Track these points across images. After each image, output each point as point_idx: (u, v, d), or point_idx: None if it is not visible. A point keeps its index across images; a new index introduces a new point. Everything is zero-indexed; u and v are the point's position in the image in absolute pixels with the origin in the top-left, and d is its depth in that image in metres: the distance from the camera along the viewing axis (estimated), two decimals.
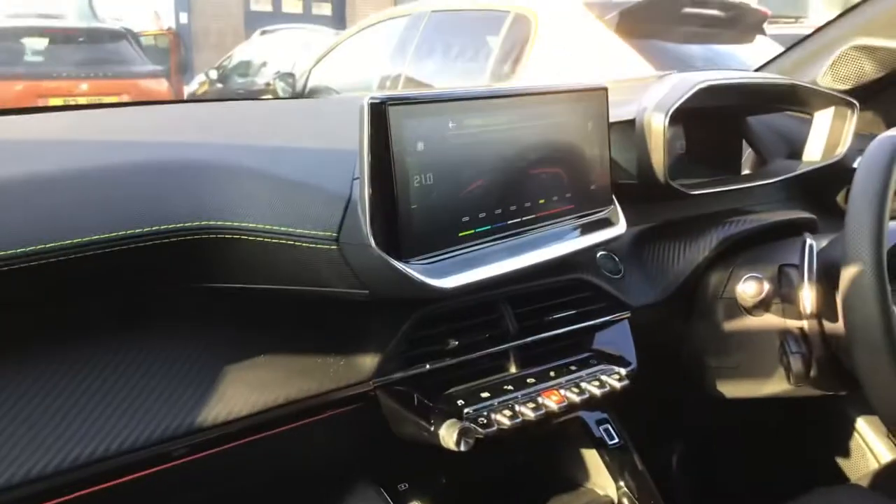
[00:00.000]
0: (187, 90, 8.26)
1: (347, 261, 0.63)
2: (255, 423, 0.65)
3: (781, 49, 3.71)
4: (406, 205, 0.63)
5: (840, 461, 1.08)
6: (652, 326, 0.91)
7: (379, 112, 0.61)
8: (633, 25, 3.30)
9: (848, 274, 0.73)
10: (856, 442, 1.12)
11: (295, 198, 0.65)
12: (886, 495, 0.86)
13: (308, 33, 8.10)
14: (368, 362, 0.71)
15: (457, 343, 0.76)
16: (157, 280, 0.67)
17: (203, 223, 0.64)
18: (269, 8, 12.52)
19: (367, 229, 0.61)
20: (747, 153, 1.18)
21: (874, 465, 1.03)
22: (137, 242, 0.61)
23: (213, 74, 7.90)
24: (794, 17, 9.67)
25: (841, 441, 1.10)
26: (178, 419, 0.62)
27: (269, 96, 4.71)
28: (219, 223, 0.64)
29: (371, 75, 4.15)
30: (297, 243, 0.63)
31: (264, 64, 7.93)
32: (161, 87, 6.37)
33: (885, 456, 1.02)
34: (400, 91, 0.73)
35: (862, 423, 1.10)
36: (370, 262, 0.62)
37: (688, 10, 3.41)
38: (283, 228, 0.63)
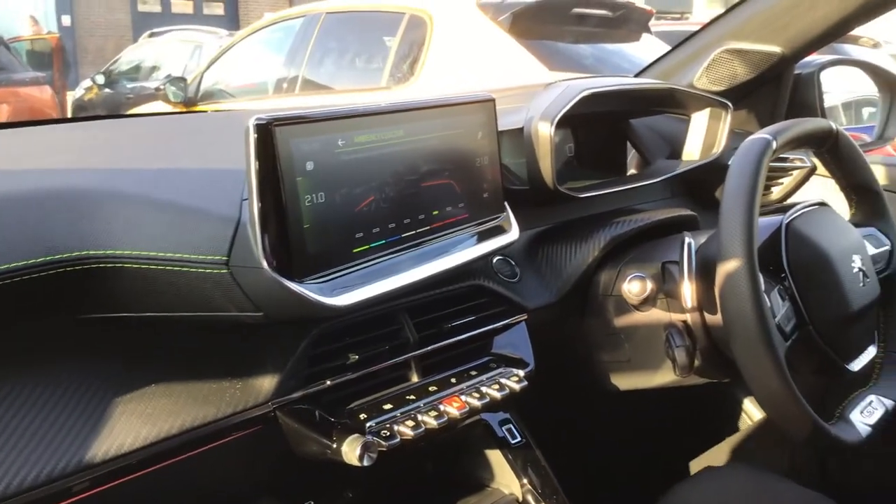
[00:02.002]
0: (73, 96, 7.88)
1: (239, 284, 0.63)
2: (154, 454, 0.64)
3: (667, 46, 3.87)
4: (298, 225, 0.63)
5: (730, 442, 1.15)
6: (549, 326, 0.94)
7: (265, 133, 0.60)
8: (526, 26, 3.37)
9: (723, 269, 0.77)
10: (744, 422, 1.20)
11: (182, 222, 0.64)
12: (772, 471, 0.92)
13: (199, 34, 7.87)
14: (267, 383, 0.70)
15: (357, 357, 0.76)
16: (43, 312, 0.65)
17: (84, 253, 0.62)
18: (157, 8, 12.09)
19: (259, 252, 0.61)
20: (632, 154, 1.24)
21: (762, 444, 1.10)
22: (13, 277, 0.59)
23: (101, 79, 7.57)
24: (679, 12, 10.12)
25: (730, 422, 1.17)
26: (71, 454, 0.60)
27: (160, 101, 4.54)
28: (101, 253, 0.62)
29: (266, 78, 4.08)
30: (185, 269, 0.62)
31: (154, 68, 7.66)
32: (44, 94, 6.03)
33: (771, 434, 1.09)
34: (287, 109, 0.73)
35: (749, 405, 1.18)
36: (263, 284, 0.62)
37: (577, 10, 3.51)
38: (169, 255, 0.62)
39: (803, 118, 0.90)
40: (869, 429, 0.85)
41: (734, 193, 0.78)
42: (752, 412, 1.17)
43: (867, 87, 1.83)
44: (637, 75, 1.33)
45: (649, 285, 0.89)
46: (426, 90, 3.52)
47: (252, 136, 0.60)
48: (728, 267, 0.76)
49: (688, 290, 0.85)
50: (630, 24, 3.83)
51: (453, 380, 0.82)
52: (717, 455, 1.13)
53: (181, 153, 0.87)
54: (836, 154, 0.95)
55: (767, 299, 0.78)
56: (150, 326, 0.69)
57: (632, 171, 1.24)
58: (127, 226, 0.64)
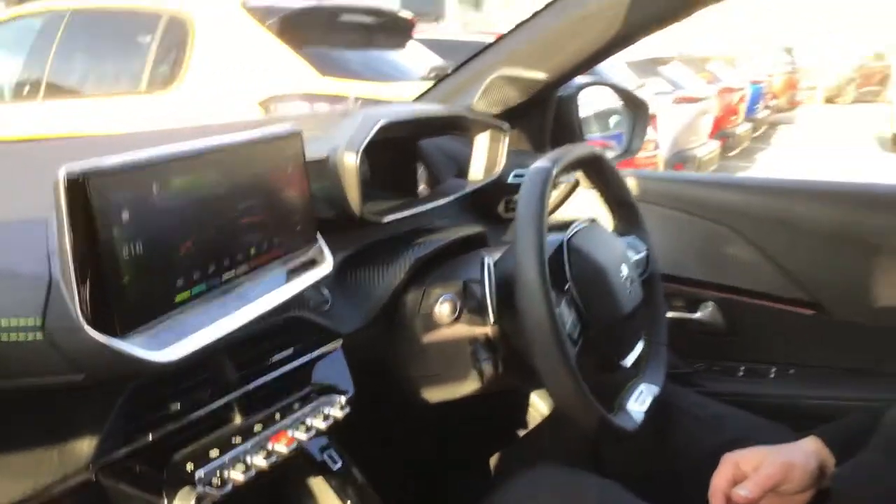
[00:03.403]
0: None
1: (57, 346, 0.59)
2: None
3: (428, 51, 4.04)
4: (116, 278, 0.60)
5: (526, 438, 1.26)
6: (363, 349, 0.97)
7: (77, 187, 0.57)
8: (295, 31, 3.36)
9: (521, 287, 0.86)
10: (533, 419, 1.32)
11: None
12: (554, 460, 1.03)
13: None
14: (86, 446, 0.66)
15: (179, 406, 0.74)
16: None
17: None
18: None
19: (77, 310, 0.57)
20: (420, 171, 1.30)
21: (552, 437, 1.22)
22: None
23: None
24: (435, 16, 10.58)
25: (524, 419, 1.29)
26: None
27: None
28: None
29: (4, 81, 3.65)
30: None
31: None
32: None
33: (558, 428, 1.22)
34: (96, 159, 0.67)
35: (537, 401, 1.30)
36: (83, 344, 0.58)
37: (344, 17, 3.56)
38: None
39: (574, 145, 1.02)
40: (643, 414, 0.98)
41: (526, 218, 0.87)
42: (540, 408, 1.30)
43: (611, 100, 2.08)
44: (420, 97, 1.40)
45: (458, 304, 0.96)
46: (191, 96, 3.37)
47: (63, 190, 0.56)
48: (523, 283, 0.85)
49: (489, 306, 0.92)
50: (394, 31, 3.96)
51: (277, 416, 0.83)
52: (518, 450, 1.24)
53: None
54: (600, 174, 1.09)
55: (558, 311, 0.88)
56: None
57: (422, 186, 1.31)
58: None
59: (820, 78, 16.51)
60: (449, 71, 1.40)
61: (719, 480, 0.88)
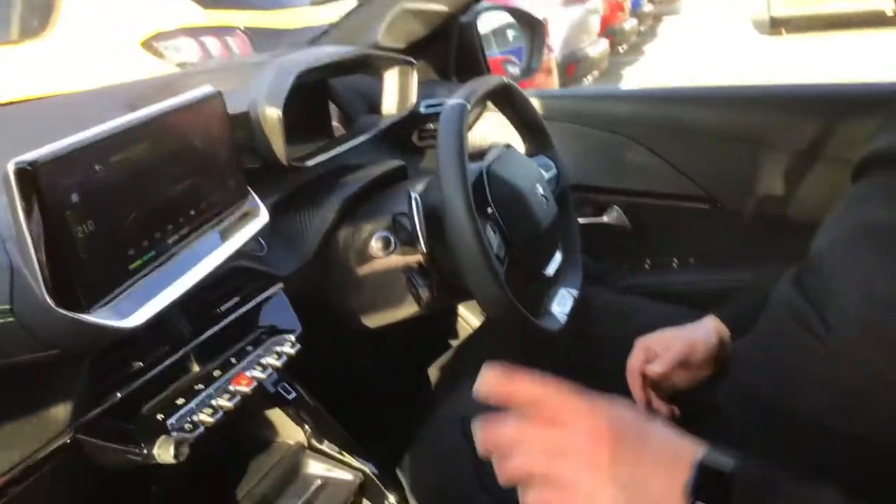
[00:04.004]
0: None
1: (28, 327, 0.62)
2: None
3: None
4: (75, 258, 0.64)
5: (460, 348, 1.36)
6: (305, 288, 1.03)
7: (28, 177, 0.59)
8: None
9: (449, 217, 0.92)
10: (464, 330, 1.42)
11: None
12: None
13: None
14: (62, 412, 0.71)
15: (141, 363, 0.79)
16: None
17: None
18: None
19: (43, 292, 0.61)
20: (334, 111, 1.33)
21: (483, 345, 1.32)
22: None
23: None
24: None
25: (458, 332, 1.38)
26: None
27: None
28: None
29: None
30: None
31: None
32: None
33: (489, 336, 1.32)
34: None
35: (468, 315, 1.40)
36: (54, 322, 0.62)
37: None
38: None
39: (484, 77, 1.08)
40: (565, 315, 1.09)
41: (447, 153, 0.93)
42: (470, 321, 1.40)
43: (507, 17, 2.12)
44: (320, 37, 1.41)
45: (390, 238, 1.02)
46: (66, 42, 3.19)
47: (14, 181, 0.59)
48: (453, 216, 0.92)
49: (420, 237, 0.99)
50: None
51: (233, 360, 0.88)
52: (455, 359, 1.34)
53: None
54: (509, 101, 1.16)
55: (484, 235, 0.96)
56: None
57: (335, 124, 1.34)
58: None
59: None
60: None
61: (634, 361, 0.99)
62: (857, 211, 0.82)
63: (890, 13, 7.11)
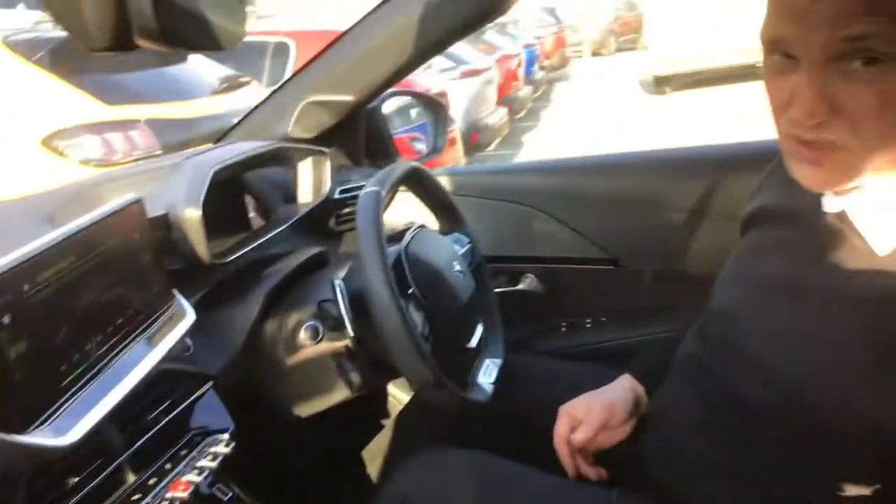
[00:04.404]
0: None
1: None
2: None
3: (209, 60, 3.93)
4: (9, 379, 0.64)
5: (390, 427, 1.38)
6: (235, 383, 1.03)
7: None
8: (67, 62, 3.17)
9: (372, 299, 0.96)
10: (394, 408, 1.44)
11: None
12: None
13: None
14: None
15: (77, 479, 0.78)
16: None
17: None
18: None
19: None
20: (250, 202, 1.36)
21: (415, 423, 1.35)
22: None
23: None
24: None
25: (387, 411, 1.40)
26: None
27: None
28: None
29: None
30: None
31: None
32: None
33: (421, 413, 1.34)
34: None
35: (396, 392, 1.42)
36: None
37: None
38: None
39: (396, 163, 1.13)
40: (492, 385, 1.13)
41: (366, 239, 0.97)
42: (400, 398, 1.42)
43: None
44: (230, 132, 1.45)
45: (317, 326, 1.04)
46: None
47: None
48: (377, 299, 0.95)
49: (348, 322, 1.02)
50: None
51: (168, 466, 0.88)
52: (386, 439, 1.35)
53: None
54: (420, 183, 1.22)
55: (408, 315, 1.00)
56: None
57: (252, 214, 1.37)
58: None
59: (584, 33, 17.84)
60: (241, 80, 1.46)
61: (560, 430, 1.04)
62: (752, 266, 0.89)
63: (760, 65, 7.70)
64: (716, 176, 1.40)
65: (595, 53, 17.83)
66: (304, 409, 1.10)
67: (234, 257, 1.11)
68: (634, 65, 13.18)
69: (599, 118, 8.85)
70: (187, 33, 0.89)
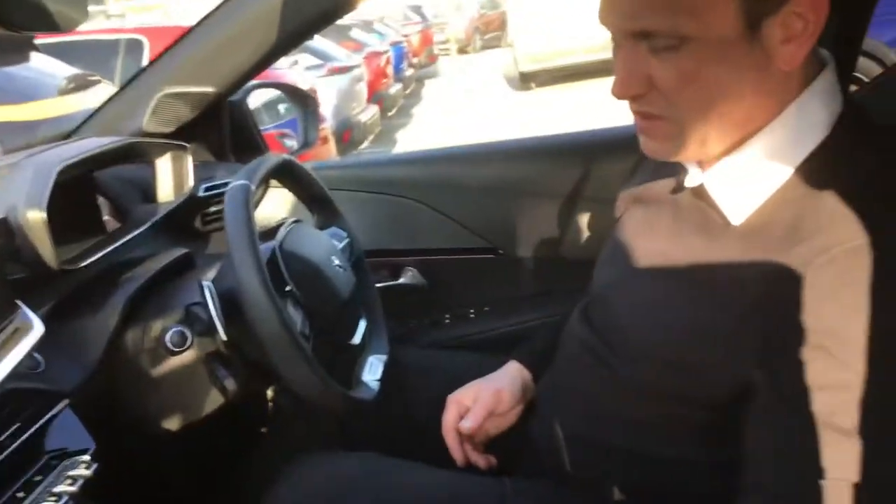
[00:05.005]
0: None
1: None
2: None
3: (53, 59, 3.68)
4: None
5: (276, 432, 1.31)
6: (96, 400, 0.94)
7: None
8: None
9: (246, 300, 0.89)
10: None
11: None
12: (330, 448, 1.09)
13: None
14: None
15: None
16: None
17: None
18: None
19: None
20: (107, 207, 1.25)
21: (298, 426, 1.29)
22: None
23: None
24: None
25: (268, 416, 1.33)
26: None
27: None
28: None
29: None
30: None
31: None
32: None
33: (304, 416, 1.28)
34: None
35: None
36: None
37: None
38: None
39: (265, 156, 1.07)
40: (378, 382, 1.09)
41: (236, 235, 0.91)
42: (281, 402, 1.35)
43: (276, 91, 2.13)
44: (78, 128, 1.33)
45: (187, 334, 0.96)
46: None
47: None
48: (252, 299, 0.89)
49: (219, 326, 0.95)
50: (11, 48, 3.54)
51: (20, 494, 0.78)
52: (272, 446, 1.29)
53: None
54: (292, 177, 1.16)
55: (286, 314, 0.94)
56: None
57: (107, 218, 1.26)
58: None
59: (450, 31, 18.11)
60: (90, 79, 1.35)
61: (448, 419, 1.03)
62: (625, 247, 0.91)
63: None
64: (590, 161, 1.42)
65: (461, 51, 18.13)
66: (175, 422, 1.01)
67: (86, 263, 1.01)
68: (500, 61, 13.48)
69: (469, 114, 8.98)
70: (24, 15, 0.81)
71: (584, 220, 1.43)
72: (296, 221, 1.11)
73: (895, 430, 0.65)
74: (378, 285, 1.31)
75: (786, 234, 0.69)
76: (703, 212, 0.78)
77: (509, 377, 1.06)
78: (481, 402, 1.02)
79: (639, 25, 0.70)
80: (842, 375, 0.64)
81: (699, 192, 0.79)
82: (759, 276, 0.70)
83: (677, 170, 0.83)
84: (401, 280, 1.51)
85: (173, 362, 0.99)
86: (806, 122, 0.72)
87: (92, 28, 4.62)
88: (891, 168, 0.71)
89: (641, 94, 0.73)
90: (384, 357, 1.15)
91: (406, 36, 12.14)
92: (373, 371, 1.11)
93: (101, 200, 1.25)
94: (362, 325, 1.16)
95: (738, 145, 0.74)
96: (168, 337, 0.97)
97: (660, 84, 0.71)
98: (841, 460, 0.65)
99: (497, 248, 1.49)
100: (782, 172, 0.72)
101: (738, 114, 0.72)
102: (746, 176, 0.74)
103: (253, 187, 0.96)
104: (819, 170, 0.71)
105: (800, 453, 0.67)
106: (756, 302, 0.70)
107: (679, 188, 0.83)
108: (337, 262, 1.10)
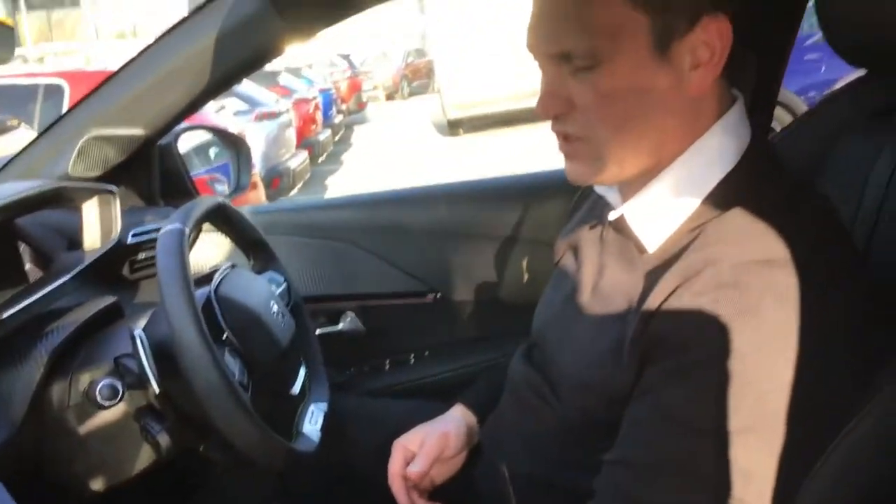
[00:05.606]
0: None
1: None
2: None
3: None
4: None
5: (213, 489, 1.25)
6: (17, 460, 0.88)
7: None
8: None
9: (181, 348, 0.85)
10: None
11: None
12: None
13: None
14: None
15: None
16: None
17: None
18: None
19: None
20: (24, 251, 1.19)
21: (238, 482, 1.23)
22: None
23: None
24: None
25: (205, 472, 1.26)
26: None
27: None
28: None
29: None
30: None
31: None
32: None
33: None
34: None
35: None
36: None
37: None
38: None
39: (198, 199, 1.04)
40: (319, 432, 1.06)
41: (170, 281, 0.87)
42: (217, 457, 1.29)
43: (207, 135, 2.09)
44: None
45: (115, 384, 0.91)
46: None
47: None
48: (186, 347, 0.85)
49: (151, 377, 0.90)
50: None
51: None
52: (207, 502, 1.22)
53: None
54: (227, 220, 1.13)
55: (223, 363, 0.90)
56: None
57: (29, 266, 1.19)
58: None
59: (378, 78, 18.32)
60: (8, 124, 1.29)
61: (394, 465, 1.00)
62: (559, 288, 0.93)
63: None
64: (526, 204, 1.44)
65: (389, 98, 18.35)
66: (104, 482, 0.95)
67: (7, 315, 0.95)
68: (428, 108, 13.67)
69: (399, 159, 9.04)
70: None
71: (522, 262, 1.44)
72: (231, 266, 1.08)
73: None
74: (317, 332, 1.28)
75: (682, 257, 0.73)
76: (624, 243, 0.81)
77: (455, 421, 1.04)
78: (428, 447, 0.99)
79: (559, 48, 0.73)
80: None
81: (620, 226, 0.82)
82: (658, 298, 0.72)
83: (605, 211, 0.85)
84: (339, 326, 1.48)
85: (103, 417, 0.94)
86: (716, 152, 0.76)
87: (10, 72, 4.47)
88: (793, 204, 0.74)
89: (563, 113, 0.76)
90: (324, 405, 1.11)
91: (335, 82, 12.20)
92: (313, 420, 1.07)
93: (22, 248, 1.19)
94: (302, 373, 1.12)
95: (654, 172, 0.77)
96: (97, 390, 0.91)
97: (578, 103, 0.74)
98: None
99: (436, 292, 1.48)
100: (692, 202, 0.76)
101: (653, 136, 0.75)
102: (661, 206, 0.77)
103: (187, 231, 0.93)
104: (724, 196, 0.75)
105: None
106: (650, 323, 0.72)
107: (604, 224, 0.86)
108: (275, 307, 1.07)
